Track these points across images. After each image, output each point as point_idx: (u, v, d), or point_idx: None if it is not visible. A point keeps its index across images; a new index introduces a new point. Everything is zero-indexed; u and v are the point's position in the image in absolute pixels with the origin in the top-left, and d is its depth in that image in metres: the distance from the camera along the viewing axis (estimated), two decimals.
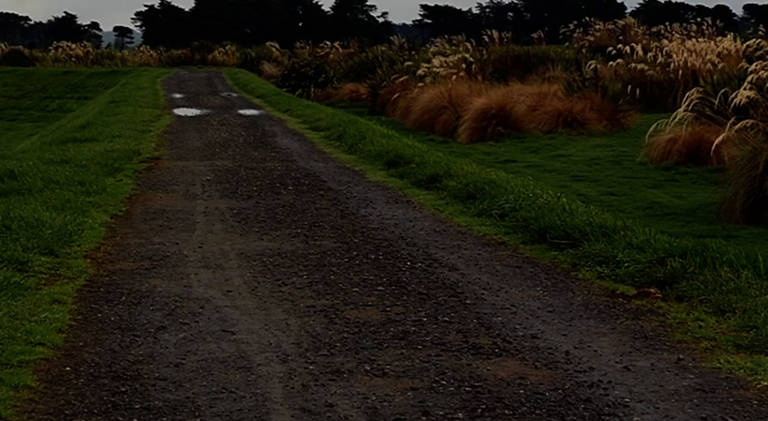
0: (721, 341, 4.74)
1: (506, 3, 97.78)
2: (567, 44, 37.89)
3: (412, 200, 9.09)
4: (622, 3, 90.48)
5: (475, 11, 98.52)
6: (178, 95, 25.94)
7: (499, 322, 5.10)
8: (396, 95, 22.03)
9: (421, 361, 4.47)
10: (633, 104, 18.38)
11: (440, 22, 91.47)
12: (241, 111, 20.63)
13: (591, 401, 3.98)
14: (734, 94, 9.93)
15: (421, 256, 6.65)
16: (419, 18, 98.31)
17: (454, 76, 20.25)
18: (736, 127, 9.54)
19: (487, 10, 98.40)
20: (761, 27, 34.57)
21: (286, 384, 4.17)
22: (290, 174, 10.67)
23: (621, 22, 39.35)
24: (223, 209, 8.52)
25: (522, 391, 4.10)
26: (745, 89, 9.85)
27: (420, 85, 21.04)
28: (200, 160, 12.02)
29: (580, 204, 7.99)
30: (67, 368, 4.35)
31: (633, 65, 22.44)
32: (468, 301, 5.51)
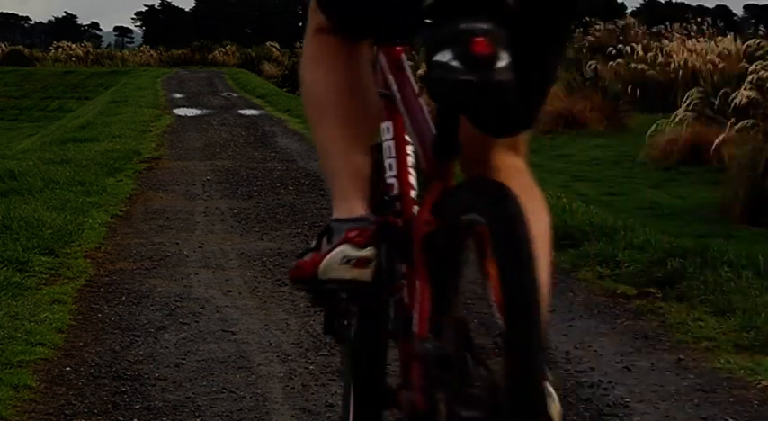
0: (722, 341, 4.74)
1: None
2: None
3: None
4: (622, 3, 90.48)
5: None
6: (178, 95, 25.95)
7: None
8: None
9: None
10: (633, 104, 18.39)
11: None
12: (241, 111, 20.63)
13: (591, 401, 3.98)
14: (734, 94, 9.95)
15: None
16: None
17: None
18: (737, 127, 9.55)
19: None
20: (761, 27, 34.56)
21: (286, 384, 4.16)
22: (290, 174, 10.66)
23: (621, 22, 39.36)
24: (223, 209, 8.52)
25: None
26: (745, 89, 9.86)
27: (420, 85, 21.04)
28: (200, 160, 12.02)
29: (580, 204, 7.99)
30: (68, 368, 4.35)
31: (633, 65, 22.45)
32: (468, 301, 5.49)
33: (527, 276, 1.93)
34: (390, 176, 2.35)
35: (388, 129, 2.38)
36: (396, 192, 2.32)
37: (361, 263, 2.28)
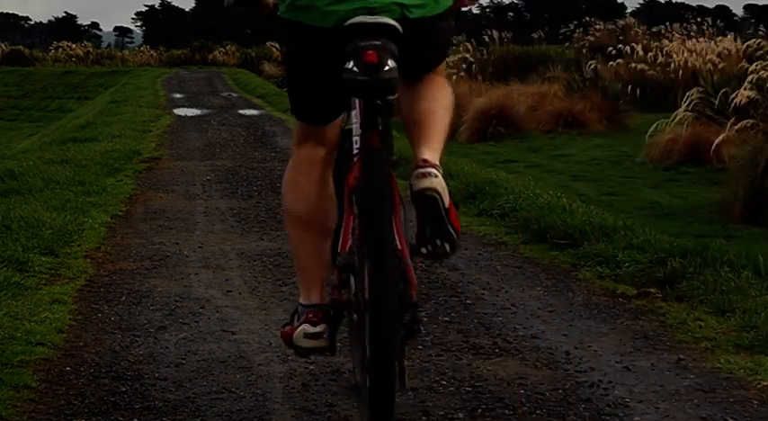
0: (721, 341, 4.74)
1: (506, 3, 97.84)
2: (567, 44, 37.89)
3: None
4: (622, 3, 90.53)
5: (475, 11, 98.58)
6: (178, 95, 25.95)
7: (499, 322, 5.10)
8: (396, 95, 22.01)
9: (421, 361, 4.47)
10: (633, 104, 18.40)
11: None
12: (241, 111, 20.63)
13: (591, 401, 3.98)
14: (734, 94, 9.96)
15: None
16: None
17: (454, 76, 20.27)
18: (737, 127, 9.56)
19: (487, 10, 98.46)
20: (761, 27, 34.57)
21: (286, 384, 4.16)
22: None
23: (621, 22, 39.37)
24: (223, 209, 8.52)
25: (522, 391, 4.10)
26: (745, 89, 9.87)
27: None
28: (200, 160, 12.02)
29: (580, 204, 7.99)
30: (68, 368, 4.35)
31: (633, 65, 22.46)
32: (468, 301, 5.51)
33: (375, 186, 3.17)
34: (356, 148, 3.34)
35: (356, 115, 3.40)
36: (355, 158, 3.33)
37: (315, 336, 3.39)
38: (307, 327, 3.39)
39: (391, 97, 3.25)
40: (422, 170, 3.22)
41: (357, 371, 3.60)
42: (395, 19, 3.17)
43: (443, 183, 3.19)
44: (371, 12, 3.16)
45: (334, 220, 3.44)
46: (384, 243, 3.08)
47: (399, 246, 3.18)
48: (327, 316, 3.38)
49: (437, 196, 3.16)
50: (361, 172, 3.21)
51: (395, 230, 3.16)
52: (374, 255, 3.06)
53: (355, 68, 3.08)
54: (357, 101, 3.37)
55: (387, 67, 3.10)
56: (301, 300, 3.48)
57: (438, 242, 3.19)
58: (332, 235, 3.46)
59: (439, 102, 3.44)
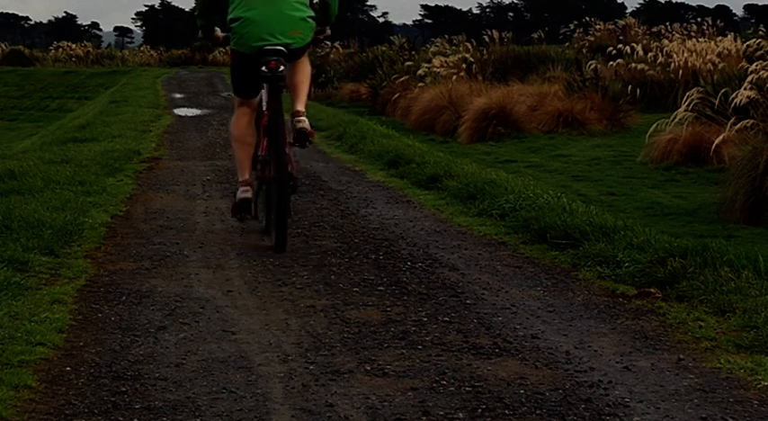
0: (722, 341, 4.74)
1: (506, 3, 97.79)
2: (567, 44, 37.85)
3: (412, 200, 9.09)
4: (622, 3, 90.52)
5: (475, 11, 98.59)
6: (178, 95, 25.95)
7: (499, 322, 5.10)
8: (396, 95, 22.02)
9: (421, 361, 4.47)
10: (633, 104, 18.36)
11: (440, 22, 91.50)
12: None
13: (591, 401, 3.98)
14: (734, 94, 9.94)
15: (421, 256, 6.65)
16: (419, 18, 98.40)
17: (454, 76, 20.24)
18: (737, 127, 9.55)
19: (487, 10, 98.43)
20: (761, 27, 34.54)
21: (286, 384, 4.17)
22: None
23: (622, 22, 39.36)
24: (223, 209, 8.51)
25: (522, 391, 4.10)
26: (745, 89, 9.86)
27: (420, 85, 21.03)
28: (200, 160, 12.02)
29: (580, 204, 7.99)
30: (68, 368, 4.35)
31: (633, 65, 22.43)
32: (468, 301, 5.51)
33: (278, 130, 6.98)
34: (264, 108, 7.01)
35: (264, 92, 7.04)
36: (265, 112, 7.02)
37: (246, 192, 7.08)
38: (242, 190, 7.04)
39: (283, 84, 6.97)
40: (298, 118, 6.96)
41: (264, 218, 7.23)
42: (283, 46, 6.93)
43: (307, 122, 6.97)
44: (272, 44, 6.89)
45: (254, 140, 7.14)
46: (280, 149, 6.81)
47: (287, 151, 6.84)
48: (251, 185, 7.07)
49: (306, 130, 6.93)
50: (268, 117, 6.92)
51: (285, 143, 6.83)
52: (276, 154, 6.81)
53: (265, 69, 6.88)
54: (266, 85, 6.96)
55: (281, 69, 6.89)
56: (239, 179, 7.11)
57: (306, 143, 7.01)
58: (253, 147, 7.12)
59: (304, 73, 7.21)
